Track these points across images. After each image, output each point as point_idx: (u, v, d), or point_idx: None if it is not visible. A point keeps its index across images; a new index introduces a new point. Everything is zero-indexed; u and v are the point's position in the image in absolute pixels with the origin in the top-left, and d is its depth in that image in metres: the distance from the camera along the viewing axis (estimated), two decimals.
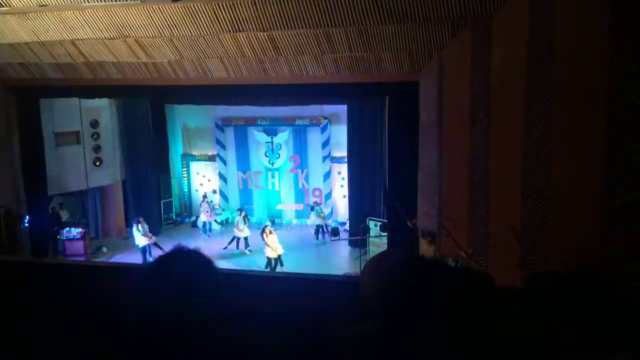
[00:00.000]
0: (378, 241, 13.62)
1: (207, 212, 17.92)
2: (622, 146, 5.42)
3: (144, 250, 14.83)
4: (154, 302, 1.23)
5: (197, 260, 1.32)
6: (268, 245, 13.93)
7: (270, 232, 14.13)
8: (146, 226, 15.15)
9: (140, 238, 14.79)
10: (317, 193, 18.40)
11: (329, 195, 18.33)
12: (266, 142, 18.57)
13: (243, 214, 16.44)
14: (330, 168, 18.21)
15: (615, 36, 5.40)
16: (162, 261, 1.33)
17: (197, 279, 1.26)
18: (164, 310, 1.21)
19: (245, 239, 15.95)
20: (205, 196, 18.68)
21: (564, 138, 6.21)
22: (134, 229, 15.02)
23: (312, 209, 17.30)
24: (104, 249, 16.38)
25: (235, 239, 15.97)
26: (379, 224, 13.75)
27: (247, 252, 15.72)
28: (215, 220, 18.17)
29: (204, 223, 18.02)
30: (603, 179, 5.62)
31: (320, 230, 16.93)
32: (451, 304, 1.52)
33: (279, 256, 13.95)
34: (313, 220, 17.14)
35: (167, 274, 1.28)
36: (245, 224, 16.13)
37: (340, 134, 17.30)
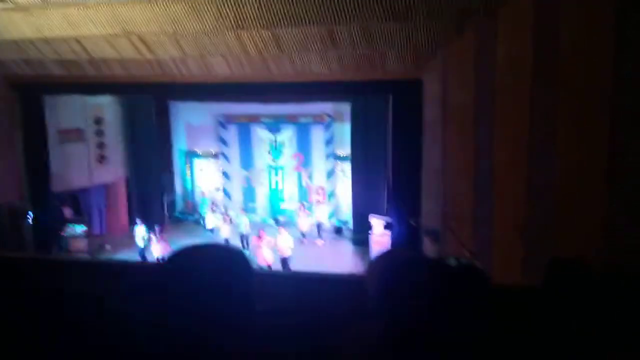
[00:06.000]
0: (381, 239, 13.61)
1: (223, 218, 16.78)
2: (629, 144, 5.39)
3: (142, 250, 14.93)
4: (183, 296, 1.16)
5: (234, 256, 1.26)
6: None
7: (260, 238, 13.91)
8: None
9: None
10: (320, 191, 18.39)
11: (332, 193, 18.33)
12: (269, 140, 18.57)
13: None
14: (334, 166, 18.20)
15: (622, 32, 5.37)
16: (191, 253, 1.26)
17: (233, 276, 1.20)
18: (188, 305, 1.15)
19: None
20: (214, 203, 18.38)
21: (569, 136, 6.18)
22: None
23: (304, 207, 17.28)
24: (108, 246, 16.42)
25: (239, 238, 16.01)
26: (382, 222, 13.74)
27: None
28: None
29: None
30: (609, 176, 5.60)
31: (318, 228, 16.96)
32: (452, 303, 1.50)
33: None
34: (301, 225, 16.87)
35: (202, 267, 1.22)
36: (226, 223, 16.16)
37: (343, 131, 17.29)
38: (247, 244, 15.79)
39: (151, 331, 1.16)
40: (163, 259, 1.29)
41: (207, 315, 1.13)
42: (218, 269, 1.20)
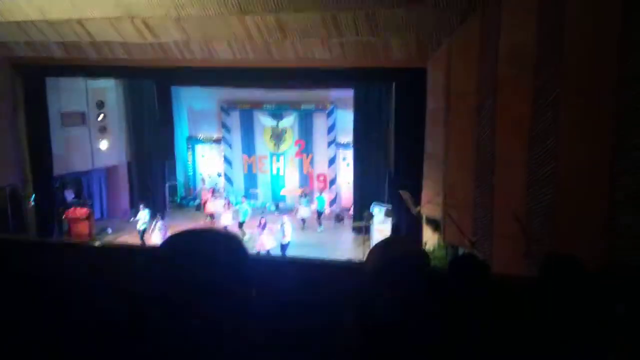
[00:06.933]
0: (382, 227, 13.61)
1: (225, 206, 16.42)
2: (631, 136, 5.38)
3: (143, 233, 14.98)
4: (180, 275, 1.16)
5: (229, 241, 1.26)
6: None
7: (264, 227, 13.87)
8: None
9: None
10: (321, 178, 18.38)
11: (333, 181, 18.32)
12: (272, 126, 18.53)
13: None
14: (336, 153, 18.18)
15: (627, 27, 5.33)
16: (186, 237, 1.26)
17: (228, 257, 1.20)
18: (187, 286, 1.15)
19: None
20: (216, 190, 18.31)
21: (571, 127, 6.16)
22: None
23: (305, 196, 17.17)
24: (109, 230, 16.47)
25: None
26: (383, 209, 13.74)
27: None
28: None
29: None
30: (610, 168, 5.58)
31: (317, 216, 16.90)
32: (452, 292, 1.51)
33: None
34: (301, 212, 16.84)
35: (198, 248, 1.22)
36: (227, 208, 16.12)
37: (346, 119, 17.23)
38: (247, 230, 15.82)
39: (148, 315, 1.16)
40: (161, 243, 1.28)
41: (200, 300, 1.14)
42: (212, 254, 1.20)
